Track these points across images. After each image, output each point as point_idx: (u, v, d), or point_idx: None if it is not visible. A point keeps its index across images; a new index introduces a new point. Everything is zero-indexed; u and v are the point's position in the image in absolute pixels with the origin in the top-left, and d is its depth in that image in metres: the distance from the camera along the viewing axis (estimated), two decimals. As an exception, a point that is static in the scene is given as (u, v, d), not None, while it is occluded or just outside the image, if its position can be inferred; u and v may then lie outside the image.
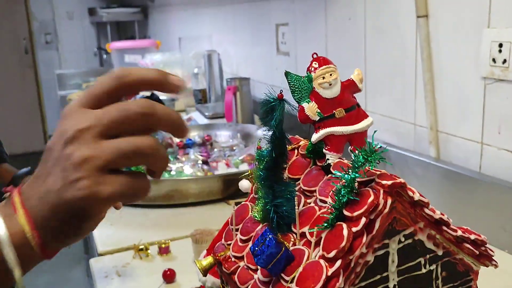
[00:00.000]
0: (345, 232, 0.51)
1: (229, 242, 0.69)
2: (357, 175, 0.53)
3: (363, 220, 0.51)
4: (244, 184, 0.72)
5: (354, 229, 0.51)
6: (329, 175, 0.61)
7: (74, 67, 5.33)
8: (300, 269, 0.53)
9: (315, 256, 0.53)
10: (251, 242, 0.64)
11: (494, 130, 1.13)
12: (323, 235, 0.53)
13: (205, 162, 1.71)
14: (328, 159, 0.62)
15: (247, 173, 0.72)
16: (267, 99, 0.57)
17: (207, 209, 1.40)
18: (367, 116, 0.64)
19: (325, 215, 0.56)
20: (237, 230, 0.68)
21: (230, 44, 2.81)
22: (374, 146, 0.53)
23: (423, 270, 0.58)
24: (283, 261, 0.54)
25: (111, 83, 0.44)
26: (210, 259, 0.67)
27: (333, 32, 1.75)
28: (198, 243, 1.05)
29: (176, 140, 1.97)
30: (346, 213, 0.53)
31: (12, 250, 0.44)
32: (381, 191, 0.53)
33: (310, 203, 0.61)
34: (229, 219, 0.71)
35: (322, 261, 0.51)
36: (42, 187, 0.44)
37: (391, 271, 0.55)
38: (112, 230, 1.29)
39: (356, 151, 0.54)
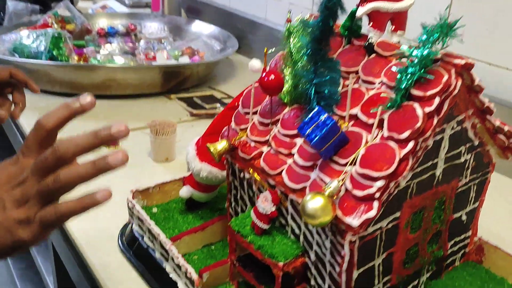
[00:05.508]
0: (419, 112, 0.47)
1: (243, 127, 0.62)
2: (431, 51, 0.48)
3: (437, 99, 0.47)
4: (255, 65, 0.64)
5: (427, 109, 0.47)
6: (375, 54, 0.55)
7: None
8: (362, 151, 0.48)
9: (375, 138, 0.49)
10: (276, 126, 0.58)
11: None
12: (386, 116, 0.49)
13: (131, 54, 1.56)
14: (371, 37, 0.56)
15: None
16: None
17: (147, 102, 1.29)
18: (410, -6, 0.58)
19: (381, 95, 0.51)
20: (253, 113, 0.61)
21: None
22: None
23: (461, 159, 0.56)
24: (338, 142, 0.49)
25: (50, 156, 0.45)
26: (224, 144, 0.60)
27: None
28: (159, 134, 0.95)
29: (96, 26, 1.77)
30: (416, 92, 0.48)
31: None
32: (453, 71, 0.49)
33: (348, 85, 0.56)
34: (240, 102, 0.64)
35: (391, 143, 0.47)
36: None
37: (441, 157, 0.53)
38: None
39: (427, 26, 0.48)
